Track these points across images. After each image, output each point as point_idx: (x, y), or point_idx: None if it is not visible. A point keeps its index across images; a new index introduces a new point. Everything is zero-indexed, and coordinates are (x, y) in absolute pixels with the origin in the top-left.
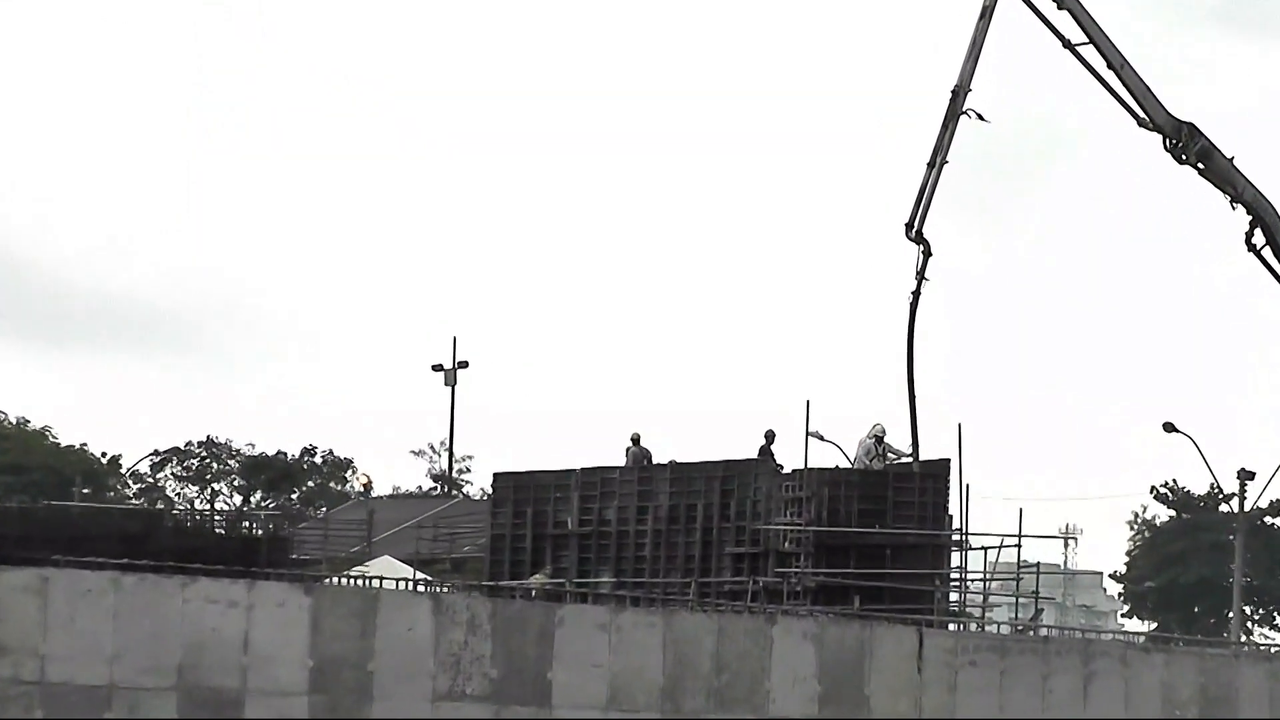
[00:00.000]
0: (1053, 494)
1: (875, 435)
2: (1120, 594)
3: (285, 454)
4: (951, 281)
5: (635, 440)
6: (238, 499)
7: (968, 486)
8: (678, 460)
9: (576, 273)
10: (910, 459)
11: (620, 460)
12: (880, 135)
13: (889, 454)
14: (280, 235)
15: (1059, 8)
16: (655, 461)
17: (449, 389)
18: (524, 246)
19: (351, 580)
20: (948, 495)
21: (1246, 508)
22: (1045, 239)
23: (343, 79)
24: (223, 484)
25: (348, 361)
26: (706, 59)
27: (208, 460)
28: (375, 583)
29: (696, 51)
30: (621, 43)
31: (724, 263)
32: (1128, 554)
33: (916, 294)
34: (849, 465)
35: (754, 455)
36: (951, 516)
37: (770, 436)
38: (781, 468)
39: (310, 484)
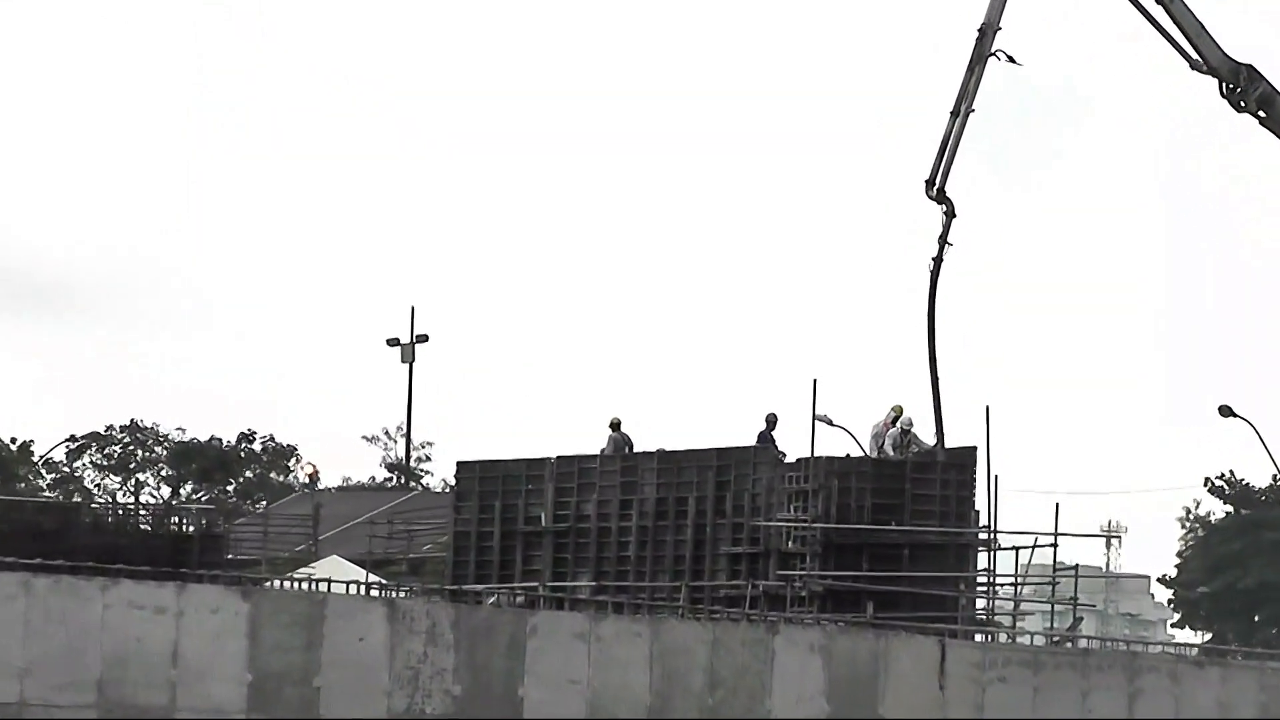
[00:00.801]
0: (1093, 487)
1: (903, 427)
2: (1170, 600)
3: (220, 440)
4: (978, 247)
5: (615, 426)
6: (165, 491)
7: (996, 478)
8: (666, 448)
9: (553, 251)
10: (933, 448)
11: (600, 448)
12: (880, 135)
13: (914, 446)
14: (276, 233)
15: None
16: (639, 450)
17: (406, 366)
18: (499, 228)
19: (295, 584)
20: (974, 488)
21: None
22: (1085, 201)
23: (343, 79)
24: (148, 474)
25: (291, 336)
26: (706, 59)
27: (131, 447)
28: (322, 586)
29: (696, 51)
30: (621, 43)
31: (721, 250)
32: (1179, 555)
33: (938, 261)
34: (862, 453)
35: (753, 442)
36: (978, 512)
37: (772, 421)
38: (784, 456)
39: (248, 474)
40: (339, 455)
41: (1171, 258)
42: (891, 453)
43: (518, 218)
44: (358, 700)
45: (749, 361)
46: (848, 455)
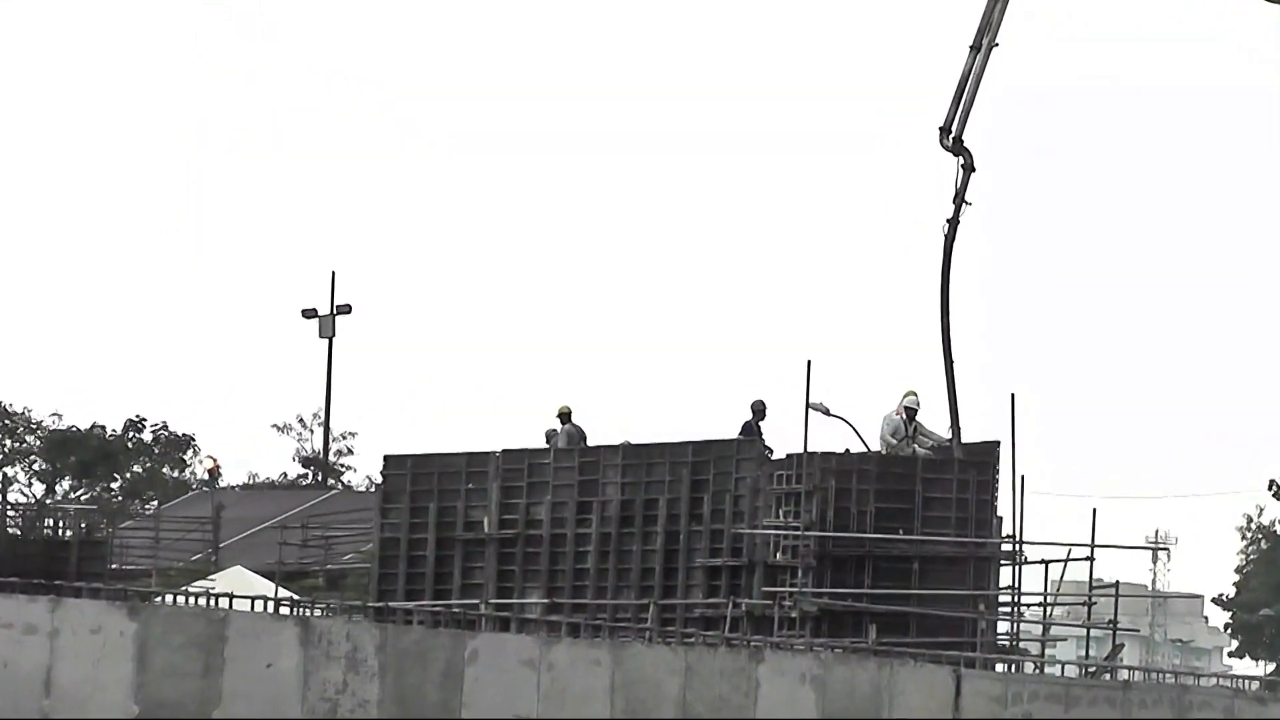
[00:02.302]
0: (1137, 490)
1: (907, 407)
2: (1227, 625)
3: (103, 428)
4: (1003, 209)
5: (565, 416)
6: (38, 488)
7: (1023, 478)
8: (632, 442)
9: (501, 217)
10: (947, 442)
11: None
12: (880, 135)
13: (921, 436)
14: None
15: None
16: (595, 444)
17: (325, 342)
18: (437, 188)
19: (191, 599)
20: (996, 490)
21: None
22: (1129, 162)
23: (343, 79)
24: (18, 468)
25: (189, 306)
26: (707, 59)
27: None
28: (223, 603)
29: (697, 51)
30: (622, 42)
31: (698, 225)
32: (1238, 571)
33: (954, 223)
34: (865, 449)
35: (736, 435)
36: (1001, 519)
37: (759, 410)
38: (771, 451)
39: (136, 469)
40: (244, 447)
41: (1229, 228)
42: (893, 441)
43: (457, 178)
44: None
45: (729, 343)
46: (847, 451)
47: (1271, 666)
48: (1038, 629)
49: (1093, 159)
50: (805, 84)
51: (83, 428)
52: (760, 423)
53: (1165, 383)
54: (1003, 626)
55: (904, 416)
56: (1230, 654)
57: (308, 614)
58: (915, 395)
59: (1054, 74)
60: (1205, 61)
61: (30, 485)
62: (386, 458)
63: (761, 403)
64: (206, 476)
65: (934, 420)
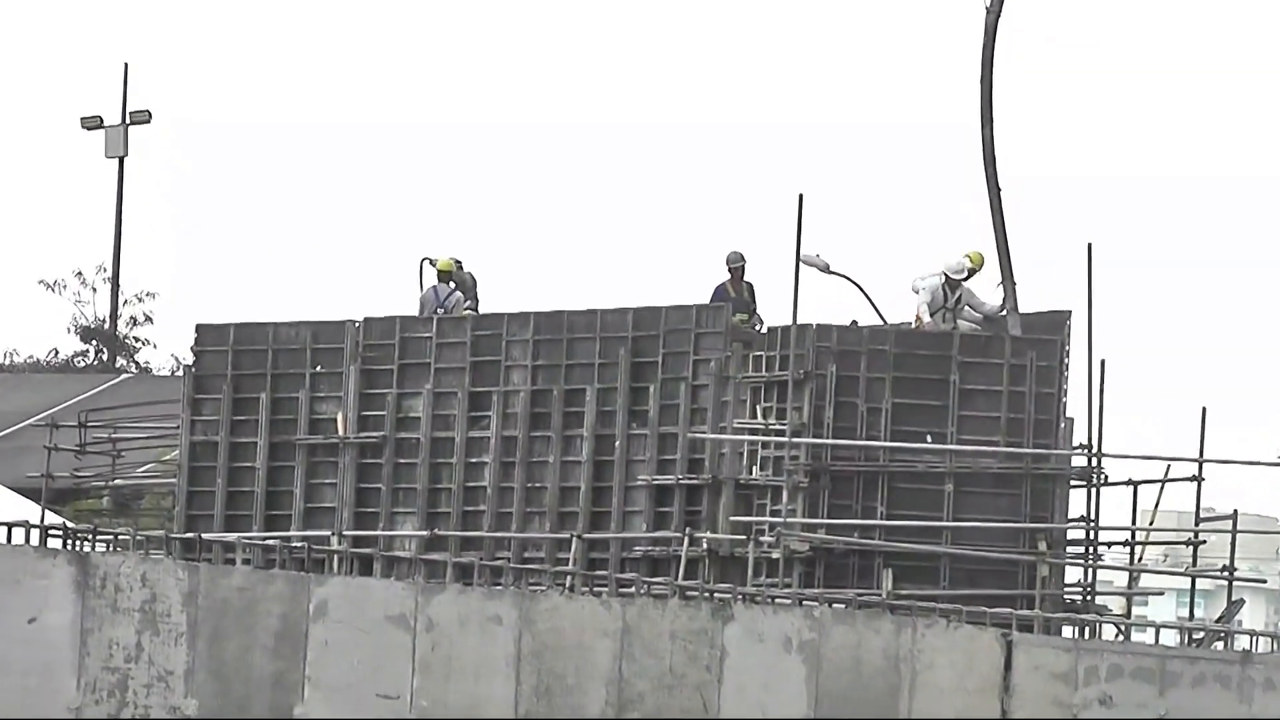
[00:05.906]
0: (1260, 385)
1: (949, 274)
2: None
3: None
4: None
5: (445, 274)
6: None
7: (1103, 364)
8: (545, 310)
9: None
10: (1000, 312)
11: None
12: None
13: (969, 308)
14: None
15: None
16: (491, 310)
17: (114, 162)
18: None
19: None
20: (1065, 380)
21: None
22: None
23: None
24: None
25: None
26: None
27: None
28: None
29: None
30: None
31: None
32: None
33: (997, 7)
34: (880, 322)
35: (706, 300)
36: (1072, 420)
37: (737, 265)
38: (760, 323)
39: None
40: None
41: None
42: (927, 318)
43: None
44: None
45: (692, 176)
46: (854, 323)
47: None
48: (1122, 578)
49: None
50: None
51: None
52: (740, 283)
53: None
54: (1072, 574)
55: (944, 281)
56: None
57: (86, 548)
58: (962, 259)
59: None
60: None
61: None
62: (200, 328)
63: (739, 254)
64: None
65: (978, 283)
